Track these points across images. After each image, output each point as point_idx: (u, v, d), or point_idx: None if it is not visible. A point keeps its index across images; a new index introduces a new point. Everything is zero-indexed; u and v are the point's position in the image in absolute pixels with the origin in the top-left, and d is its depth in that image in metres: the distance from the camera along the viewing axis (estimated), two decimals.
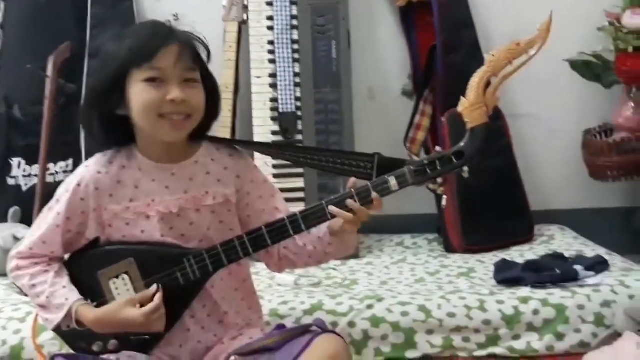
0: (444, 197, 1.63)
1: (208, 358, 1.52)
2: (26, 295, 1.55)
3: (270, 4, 2.54)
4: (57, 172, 2.57)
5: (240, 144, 1.71)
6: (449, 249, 2.54)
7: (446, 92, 2.51)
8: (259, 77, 2.53)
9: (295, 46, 2.53)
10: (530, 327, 1.88)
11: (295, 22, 2.54)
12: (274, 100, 2.51)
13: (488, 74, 1.49)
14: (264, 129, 2.51)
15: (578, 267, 2.08)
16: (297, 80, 2.52)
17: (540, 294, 1.94)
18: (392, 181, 1.43)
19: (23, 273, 1.49)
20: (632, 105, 2.51)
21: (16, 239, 2.26)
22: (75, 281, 1.49)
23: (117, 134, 1.49)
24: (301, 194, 2.48)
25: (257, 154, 2.26)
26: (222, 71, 2.47)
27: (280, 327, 1.57)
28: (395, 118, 2.72)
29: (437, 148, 1.48)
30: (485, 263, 2.33)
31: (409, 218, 2.73)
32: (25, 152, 2.58)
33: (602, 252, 2.31)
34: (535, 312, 1.89)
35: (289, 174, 2.47)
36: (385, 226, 2.60)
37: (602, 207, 2.80)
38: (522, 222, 2.60)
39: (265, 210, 1.55)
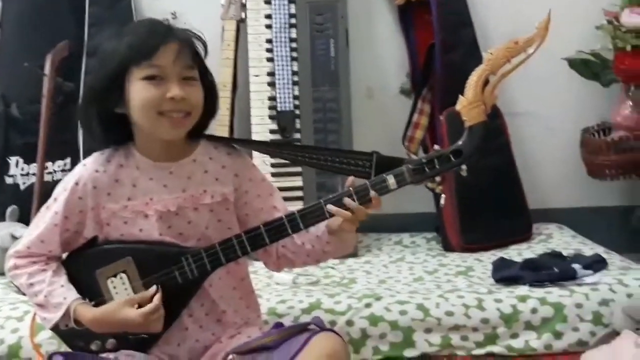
0: (442, 195, 1.63)
1: (206, 357, 1.52)
2: (24, 294, 1.55)
3: (268, 2, 2.53)
4: (55, 171, 2.57)
5: (239, 142, 1.71)
6: (447, 247, 2.54)
7: (444, 91, 2.51)
8: (257, 76, 2.53)
9: (294, 44, 2.53)
10: (529, 326, 1.88)
11: (293, 21, 2.53)
12: (272, 98, 2.51)
13: (486, 72, 1.49)
14: (262, 128, 2.51)
15: (576, 266, 2.08)
16: (296, 78, 2.52)
17: (539, 292, 1.94)
18: (391, 180, 1.43)
19: (21, 272, 1.49)
20: (631, 103, 2.51)
21: (14, 238, 2.26)
22: (73, 280, 1.49)
23: (115, 132, 1.48)
24: (299, 193, 2.48)
25: (255, 153, 2.26)
26: (220, 70, 2.47)
27: (278, 325, 1.57)
28: (394, 117, 2.72)
29: (436, 147, 1.48)
30: (484, 262, 2.33)
31: (408, 217, 2.73)
32: (23, 150, 2.57)
33: (600, 250, 2.32)
34: (534, 310, 1.89)
35: (287, 173, 2.47)
36: (383, 225, 2.60)
37: (600, 206, 2.80)
38: (521, 221, 2.60)
39: (263, 209, 1.55)
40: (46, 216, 1.49)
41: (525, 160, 2.73)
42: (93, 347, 1.48)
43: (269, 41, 2.52)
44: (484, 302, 1.91)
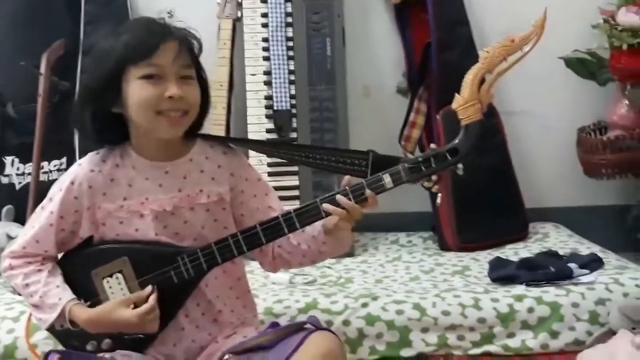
0: (439, 194, 1.63)
1: (202, 357, 1.51)
2: (19, 294, 1.55)
3: (264, 1, 2.53)
4: (50, 171, 2.57)
5: (235, 141, 1.70)
6: (444, 247, 2.54)
7: (441, 90, 2.51)
8: (253, 75, 2.52)
9: (290, 43, 2.53)
10: (525, 325, 1.88)
11: (289, 20, 2.53)
12: (268, 97, 2.51)
13: (482, 71, 1.48)
14: (258, 127, 2.50)
15: (572, 265, 2.08)
16: (292, 77, 2.52)
17: (535, 292, 1.94)
18: (387, 179, 1.43)
19: (16, 272, 1.48)
20: (627, 102, 2.52)
21: (9, 238, 2.25)
22: (69, 280, 1.48)
23: (111, 132, 1.48)
24: (296, 192, 2.47)
25: (251, 152, 2.26)
26: (217, 68, 2.47)
27: (275, 325, 1.57)
28: (390, 116, 2.72)
29: (432, 145, 1.48)
30: (480, 261, 2.33)
31: (404, 216, 2.73)
32: (18, 150, 2.57)
33: (596, 249, 2.32)
34: (530, 310, 1.89)
35: (284, 172, 2.47)
36: (379, 224, 2.60)
37: (596, 205, 2.80)
38: (517, 220, 2.60)
39: (259, 208, 1.54)
40: (41, 216, 1.49)
41: (522, 159, 2.73)
42: (89, 347, 1.48)
43: (265, 40, 2.52)
44: (481, 302, 1.91)
